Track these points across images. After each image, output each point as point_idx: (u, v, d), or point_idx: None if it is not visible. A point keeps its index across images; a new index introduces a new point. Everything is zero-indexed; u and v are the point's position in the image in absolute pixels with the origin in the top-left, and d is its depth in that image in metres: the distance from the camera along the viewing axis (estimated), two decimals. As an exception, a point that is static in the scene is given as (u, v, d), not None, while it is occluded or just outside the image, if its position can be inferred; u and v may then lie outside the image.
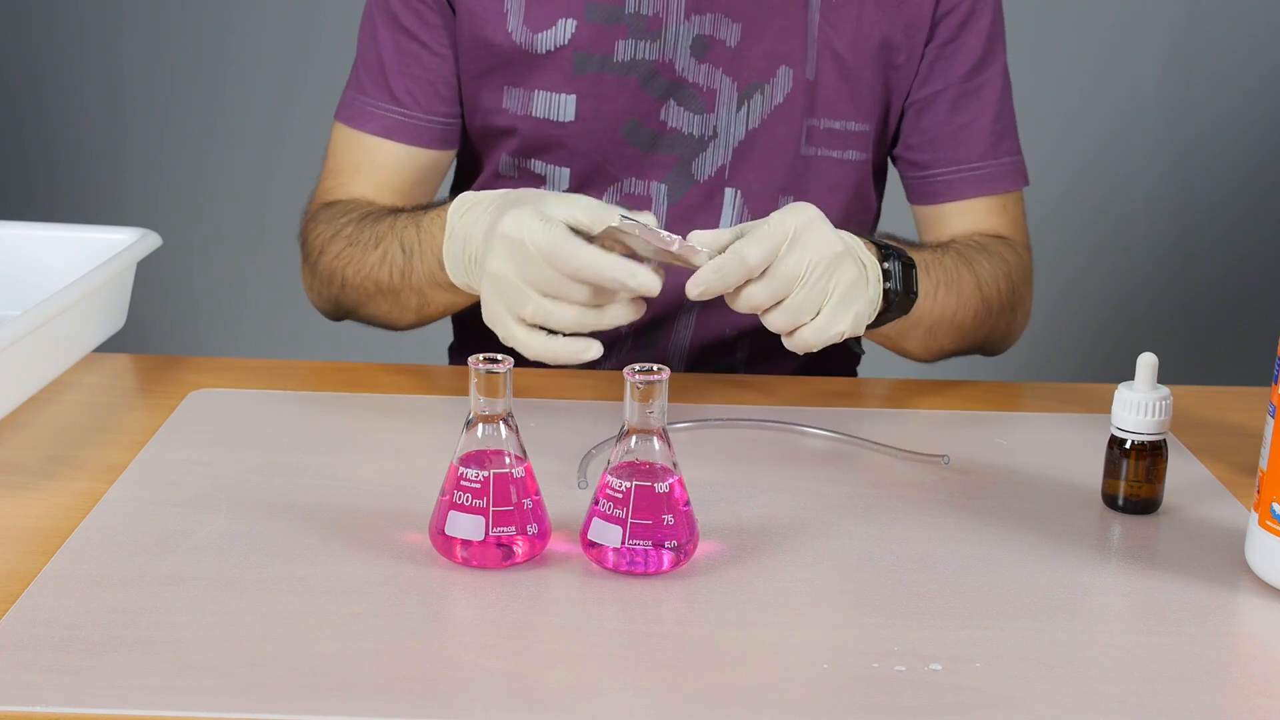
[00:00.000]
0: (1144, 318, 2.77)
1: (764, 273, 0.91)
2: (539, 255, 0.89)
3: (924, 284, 1.05)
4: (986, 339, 1.17)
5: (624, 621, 0.77)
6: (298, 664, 0.72)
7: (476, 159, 1.26)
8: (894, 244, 1.03)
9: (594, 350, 0.91)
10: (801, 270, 0.91)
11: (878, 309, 0.99)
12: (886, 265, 0.99)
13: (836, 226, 1.25)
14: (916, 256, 1.05)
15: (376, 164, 1.20)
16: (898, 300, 1.00)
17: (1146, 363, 0.90)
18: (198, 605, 0.77)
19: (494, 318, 0.94)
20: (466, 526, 0.81)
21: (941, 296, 1.08)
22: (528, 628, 0.76)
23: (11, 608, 0.76)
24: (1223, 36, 2.65)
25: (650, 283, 0.89)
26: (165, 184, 2.79)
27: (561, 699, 0.70)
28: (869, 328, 1.01)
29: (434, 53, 1.19)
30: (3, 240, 1.21)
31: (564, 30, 1.16)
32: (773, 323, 0.93)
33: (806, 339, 0.93)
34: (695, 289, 0.90)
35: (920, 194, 1.24)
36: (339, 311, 1.19)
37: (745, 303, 0.92)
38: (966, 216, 1.21)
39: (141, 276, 1.21)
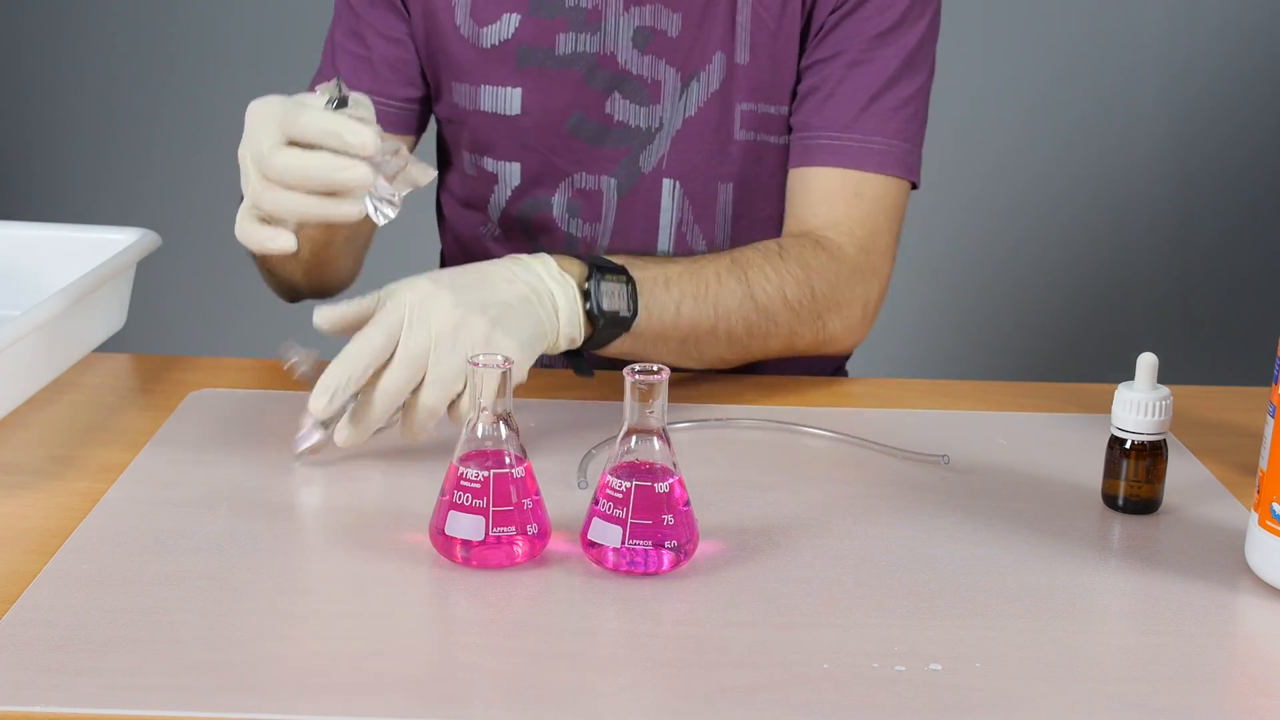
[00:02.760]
0: (1144, 318, 2.77)
1: (392, 356, 0.91)
2: (267, 126, 0.91)
3: (661, 298, 1.03)
4: (787, 347, 1.14)
5: (624, 621, 0.77)
6: (298, 664, 0.72)
7: (445, 160, 1.29)
8: (620, 260, 1.02)
9: (281, 240, 0.93)
10: (429, 343, 0.90)
11: (582, 331, 0.98)
12: (587, 286, 0.99)
13: (781, 211, 1.25)
14: (652, 270, 1.04)
15: None
16: (609, 317, 0.99)
17: (1146, 363, 0.90)
18: (198, 605, 0.77)
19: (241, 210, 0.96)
20: (466, 526, 0.81)
21: (688, 309, 1.05)
22: (528, 628, 0.76)
23: (11, 608, 0.76)
24: (1222, 33, 2.65)
25: (368, 140, 0.89)
26: (165, 184, 2.79)
27: (561, 699, 0.70)
28: (593, 349, 1.01)
29: (378, 33, 1.21)
30: (3, 240, 1.21)
31: (508, 25, 1.19)
32: (429, 401, 0.91)
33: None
34: (321, 406, 0.91)
35: (791, 155, 1.21)
36: (271, 279, 1.20)
37: (386, 392, 0.91)
38: (815, 190, 1.17)
39: (141, 276, 1.21)
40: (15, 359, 0.99)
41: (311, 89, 1.22)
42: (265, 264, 1.17)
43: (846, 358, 1.39)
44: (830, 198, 1.17)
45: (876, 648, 0.75)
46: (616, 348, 1.04)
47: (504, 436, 0.82)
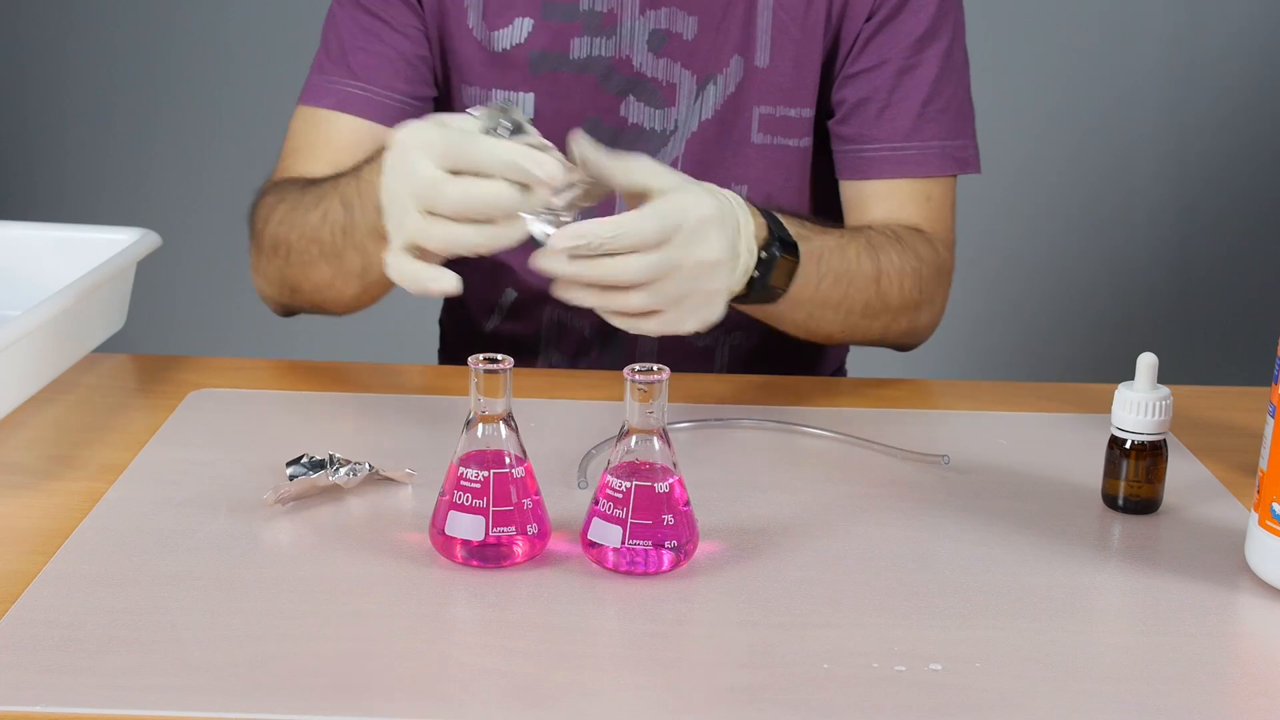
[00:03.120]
0: (1144, 318, 2.77)
1: (652, 249, 0.87)
2: (427, 157, 0.84)
3: (809, 272, 1.02)
4: (883, 333, 1.15)
5: (624, 621, 0.77)
6: (298, 664, 0.72)
7: None
8: (792, 228, 1.00)
9: (447, 281, 0.85)
10: (688, 262, 0.88)
11: (735, 292, 0.95)
12: (764, 254, 0.96)
13: (798, 212, 1.25)
14: (812, 243, 1.02)
15: (332, 140, 1.17)
16: (764, 287, 0.97)
17: (1146, 363, 0.90)
18: (198, 605, 0.77)
19: (388, 245, 0.89)
20: (466, 526, 0.81)
21: (827, 285, 1.05)
22: (528, 628, 0.76)
23: (11, 608, 0.76)
24: (1223, 35, 2.65)
25: (554, 170, 0.82)
26: (165, 184, 2.79)
27: (561, 699, 0.70)
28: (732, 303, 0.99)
29: (394, 29, 1.18)
30: (3, 240, 1.21)
31: (521, 29, 1.17)
32: (631, 300, 0.88)
33: (650, 328, 0.89)
34: (569, 242, 0.84)
35: (843, 168, 1.21)
36: (283, 292, 1.12)
37: (616, 269, 0.86)
38: (886, 200, 1.18)
39: (141, 276, 1.21)
40: (15, 359, 0.99)
41: (311, 87, 1.20)
42: (306, 280, 1.08)
43: (845, 356, 1.39)
44: (905, 205, 1.18)
45: (876, 648, 0.75)
46: (748, 310, 1.03)
47: (504, 436, 0.82)
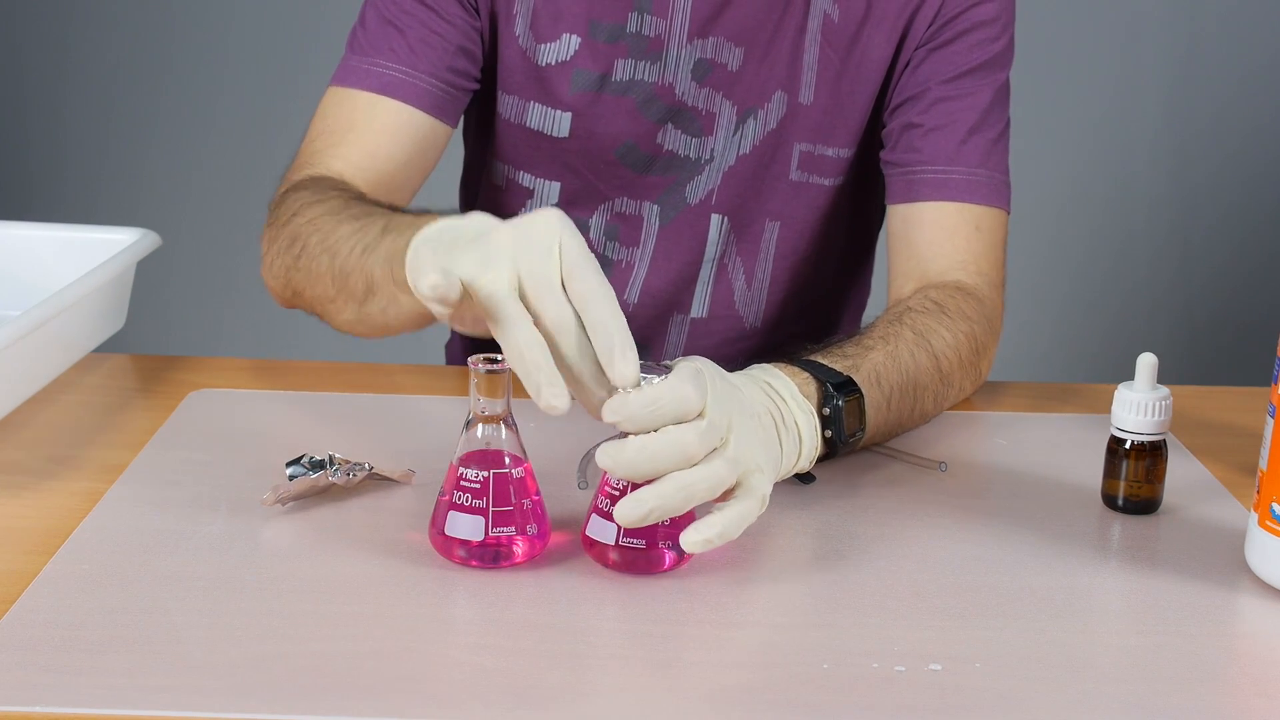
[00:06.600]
0: (1144, 318, 2.77)
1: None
2: (550, 250, 0.76)
3: (875, 398, 0.96)
4: (954, 403, 1.10)
5: (624, 621, 0.77)
6: (298, 664, 0.72)
7: (479, 164, 1.26)
8: (837, 364, 0.95)
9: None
10: (731, 420, 0.79)
11: (816, 457, 0.91)
12: (826, 410, 0.91)
13: (822, 252, 1.24)
14: (863, 370, 0.96)
15: (372, 123, 1.13)
16: (844, 439, 0.93)
17: (1146, 363, 0.90)
18: (198, 605, 0.77)
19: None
20: (466, 526, 0.81)
21: (896, 400, 0.99)
22: (528, 628, 0.76)
23: (11, 608, 0.76)
24: (1225, 38, 2.65)
25: (555, 402, 0.75)
26: (164, 184, 2.79)
27: (561, 699, 0.70)
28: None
29: (440, 16, 1.14)
30: (3, 240, 1.21)
31: (568, 46, 1.15)
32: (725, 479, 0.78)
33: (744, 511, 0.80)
34: (614, 419, 0.77)
35: (893, 192, 1.17)
36: (286, 290, 1.05)
37: (677, 444, 0.77)
38: (935, 227, 1.14)
39: (141, 276, 1.21)
40: (15, 359, 0.99)
41: (350, 68, 1.13)
42: (308, 287, 1.01)
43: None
44: (954, 234, 1.14)
45: (876, 648, 0.75)
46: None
47: (504, 437, 0.82)
